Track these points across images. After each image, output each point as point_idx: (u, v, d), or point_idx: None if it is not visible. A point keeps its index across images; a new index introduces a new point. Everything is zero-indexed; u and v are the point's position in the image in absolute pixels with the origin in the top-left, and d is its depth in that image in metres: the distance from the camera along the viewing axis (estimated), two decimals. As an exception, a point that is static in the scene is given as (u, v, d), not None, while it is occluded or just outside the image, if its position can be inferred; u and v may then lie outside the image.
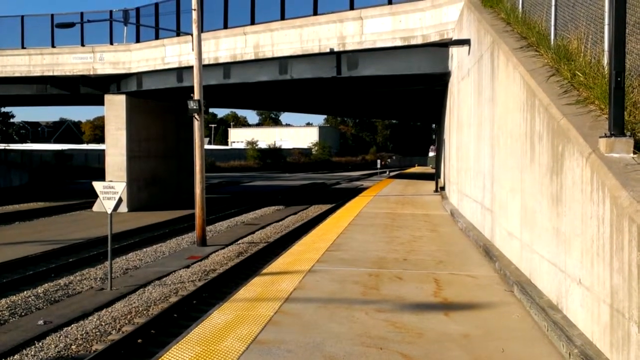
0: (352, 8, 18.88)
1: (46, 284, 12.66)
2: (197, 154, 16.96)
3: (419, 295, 7.22)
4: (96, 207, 25.89)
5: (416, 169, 66.23)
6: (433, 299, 7.02)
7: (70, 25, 20.19)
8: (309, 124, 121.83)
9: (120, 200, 11.94)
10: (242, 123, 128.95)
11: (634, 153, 4.88)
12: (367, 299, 7.01)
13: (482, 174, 11.05)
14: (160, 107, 28.69)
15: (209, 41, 21.73)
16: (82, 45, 26.19)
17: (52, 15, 26.35)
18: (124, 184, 12.20)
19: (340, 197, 32.45)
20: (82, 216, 25.19)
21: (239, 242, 18.35)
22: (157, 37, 24.44)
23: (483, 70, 10.88)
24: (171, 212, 25.29)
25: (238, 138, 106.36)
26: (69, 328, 9.68)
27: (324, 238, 11.85)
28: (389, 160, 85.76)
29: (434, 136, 47.38)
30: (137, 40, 25.54)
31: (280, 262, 9.51)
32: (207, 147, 61.37)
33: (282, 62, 20.54)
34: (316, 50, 19.54)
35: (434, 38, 17.21)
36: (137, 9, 25.59)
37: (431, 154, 63.58)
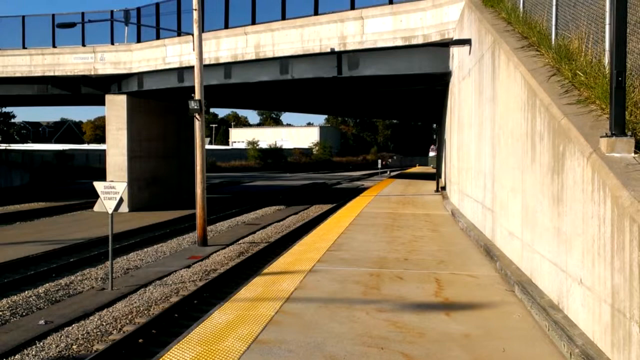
0: (352, 8, 18.88)
1: (47, 284, 12.67)
2: (197, 154, 16.96)
3: (420, 295, 7.22)
4: (97, 207, 25.92)
5: (417, 169, 66.24)
6: (434, 299, 7.02)
7: (71, 25, 20.19)
8: (309, 124, 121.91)
9: (121, 200, 11.95)
10: (243, 123, 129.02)
11: (635, 153, 4.88)
12: (368, 299, 7.01)
13: (483, 174, 11.05)
14: (161, 107, 28.70)
15: (210, 41, 21.75)
16: (83, 45, 26.21)
17: (53, 16, 26.38)
18: (125, 184, 12.20)
19: (341, 197, 32.46)
20: (83, 216, 25.21)
21: (239, 242, 18.35)
22: (158, 37, 24.46)
23: (484, 70, 10.87)
24: (172, 212, 25.30)
25: (239, 138, 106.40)
26: (70, 328, 9.69)
27: (325, 238, 11.85)
28: (389, 160, 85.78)
29: (434, 136, 47.37)
30: (138, 40, 25.56)
31: (281, 262, 9.51)
32: (208, 147, 61.46)
33: (283, 62, 20.55)
34: (317, 50, 19.55)
35: (435, 38, 17.21)
36: (138, 9, 25.61)
37: (431, 153, 63.57)
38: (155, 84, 24.93)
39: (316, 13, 19.67)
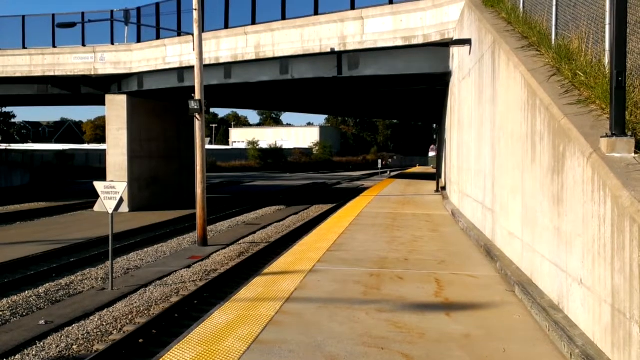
0: (353, 8, 18.88)
1: (47, 284, 12.67)
2: (198, 154, 16.96)
3: (420, 295, 7.21)
4: (97, 207, 25.92)
5: (417, 169, 66.26)
6: (434, 299, 7.02)
7: (72, 25, 20.19)
8: (310, 124, 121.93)
9: (121, 200, 11.94)
10: (243, 123, 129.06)
11: (635, 153, 4.88)
12: (368, 299, 7.01)
13: (483, 174, 11.05)
14: (161, 107, 28.70)
15: (210, 41, 21.75)
16: (83, 45, 26.22)
17: (53, 15, 26.39)
18: (125, 184, 12.19)
19: (341, 197, 32.46)
20: (84, 216, 25.21)
21: (240, 242, 18.35)
22: (158, 37, 24.46)
23: (484, 70, 10.87)
24: (172, 212, 25.31)
25: (239, 138, 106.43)
26: (70, 328, 9.69)
27: (325, 238, 11.85)
28: (390, 160, 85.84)
29: (435, 136, 47.36)
30: (138, 40, 25.56)
31: (281, 262, 9.51)
32: (208, 147, 61.43)
33: (283, 62, 20.55)
34: (317, 50, 19.55)
35: (435, 38, 17.21)
36: (138, 9, 25.61)
37: (431, 153, 63.60)
38: (156, 84, 24.94)
39: (316, 13, 19.67)
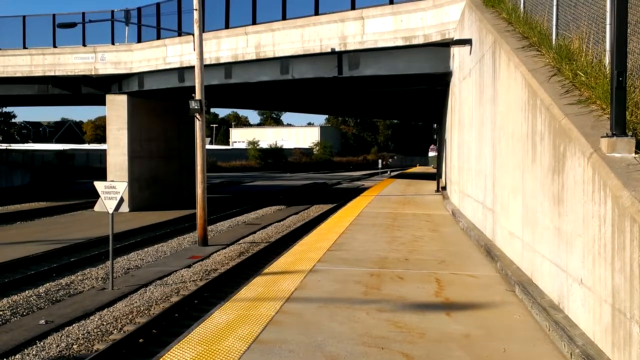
0: (353, 8, 18.89)
1: (48, 284, 12.68)
2: (198, 154, 16.97)
3: (420, 295, 7.22)
4: (98, 207, 25.93)
5: (417, 169, 66.24)
6: (434, 299, 7.02)
7: (72, 25, 20.20)
8: (310, 124, 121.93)
9: (121, 200, 11.95)
10: (243, 123, 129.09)
11: (636, 153, 4.88)
12: (369, 299, 7.01)
13: (484, 174, 11.05)
14: (162, 107, 28.71)
15: (211, 41, 21.75)
16: (84, 45, 26.22)
17: (54, 16, 26.39)
18: (126, 184, 12.20)
19: (341, 197, 32.46)
20: (84, 216, 25.22)
21: (240, 241, 18.35)
22: (158, 37, 24.47)
23: (484, 70, 10.87)
24: (172, 212, 25.32)
25: (239, 138, 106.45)
26: (71, 328, 9.69)
27: (325, 238, 11.85)
28: (390, 160, 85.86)
29: (435, 136, 47.36)
30: (139, 40, 25.56)
31: (281, 262, 9.51)
32: (208, 147, 61.45)
33: (284, 62, 20.55)
34: (317, 50, 19.55)
35: (436, 38, 17.21)
36: (139, 9, 25.62)
37: (431, 153, 63.60)
38: (156, 84, 24.94)
39: (317, 13, 19.67)
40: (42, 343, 8.97)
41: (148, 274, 13.63)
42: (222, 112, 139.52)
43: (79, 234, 19.54)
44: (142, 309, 10.92)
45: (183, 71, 23.22)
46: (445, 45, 17.08)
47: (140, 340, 9.12)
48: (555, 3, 7.69)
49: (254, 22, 21.17)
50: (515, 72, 7.94)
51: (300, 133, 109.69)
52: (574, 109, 5.79)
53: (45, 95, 28.91)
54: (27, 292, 11.96)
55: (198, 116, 16.93)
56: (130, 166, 26.35)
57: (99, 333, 9.52)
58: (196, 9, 17.02)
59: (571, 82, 6.35)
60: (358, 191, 31.36)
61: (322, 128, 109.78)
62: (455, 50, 16.35)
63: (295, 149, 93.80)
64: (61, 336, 9.27)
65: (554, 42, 7.63)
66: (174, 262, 15.11)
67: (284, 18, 20.38)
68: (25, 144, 62.27)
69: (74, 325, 9.83)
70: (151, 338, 9.30)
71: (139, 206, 26.45)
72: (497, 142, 9.59)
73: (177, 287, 12.49)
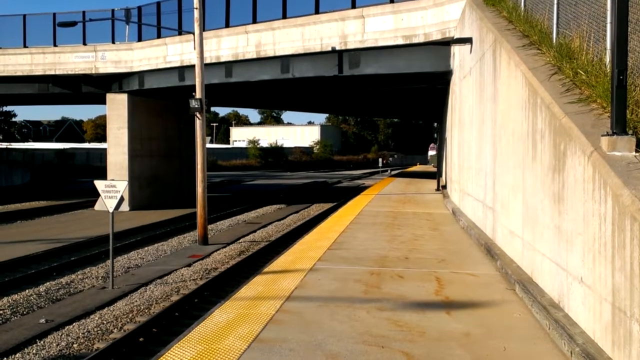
0: (353, 6, 18.88)
1: (48, 283, 12.68)
2: (198, 153, 16.97)
3: (420, 293, 7.22)
4: (98, 206, 25.94)
5: (418, 168, 66.20)
6: (434, 298, 7.02)
7: (72, 24, 20.18)
8: (310, 123, 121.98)
9: (122, 199, 11.95)
10: (243, 122, 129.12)
11: (636, 151, 4.87)
12: (369, 298, 7.01)
13: (484, 173, 11.04)
14: (162, 106, 28.71)
15: (211, 40, 21.74)
16: (84, 44, 26.22)
17: (54, 14, 26.39)
18: (126, 183, 12.20)
19: (341, 195, 32.46)
20: (84, 215, 25.23)
21: (240, 240, 18.35)
22: (159, 36, 24.46)
23: (485, 69, 10.87)
24: (173, 211, 25.32)
25: (240, 137, 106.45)
26: (71, 326, 9.70)
27: (326, 237, 11.85)
28: (390, 158, 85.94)
29: (435, 135, 47.33)
30: (139, 39, 25.56)
31: (281, 261, 9.51)
32: (208, 145, 61.45)
33: (284, 60, 20.54)
34: (318, 49, 19.54)
35: (436, 36, 17.20)
36: (139, 8, 25.59)
37: (431, 152, 63.59)
38: (156, 83, 24.93)
39: (317, 12, 19.66)
40: (42, 342, 8.97)
41: (148, 273, 13.64)
42: (223, 111, 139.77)
43: (79, 233, 19.54)
44: (142, 307, 10.93)
45: (183, 70, 23.21)
46: (445, 44, 17.07)
47: (141, 339, 9.13)
48: (555, 1, 7.68)
49: (255, 21, 21.17)
50: (515, 71, 7.93)
51: (300, 132, 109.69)
52: (575, 107, 5.79)
53: (45, 94, 28.91)
54: (27, 291, 11.96)
55: (198, 115, 16.92)
56: (130, 165, 26.36)
57: (99, 332, 9.53)
58: (196, 8, 17.01)
59: (572, 81, 6.35)
60: (358, 190, 31.36)
61: (322, 127, 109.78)
62: (455, 49, 16.34)
63: (295, 147, 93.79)
64: (61, 335, 9.28)
65: (554, 41, 7.62)
66: (174, 261, 15.11)
67: (284, 17, 20.37)
68: (26, 143, 62.27)
69: (74, 324, 9.84)
70: (151, 337, 9.31)
71: (139, 205, 26.46)
72: (497, 141, 9.59)
73: (177, 286, 12.50)
